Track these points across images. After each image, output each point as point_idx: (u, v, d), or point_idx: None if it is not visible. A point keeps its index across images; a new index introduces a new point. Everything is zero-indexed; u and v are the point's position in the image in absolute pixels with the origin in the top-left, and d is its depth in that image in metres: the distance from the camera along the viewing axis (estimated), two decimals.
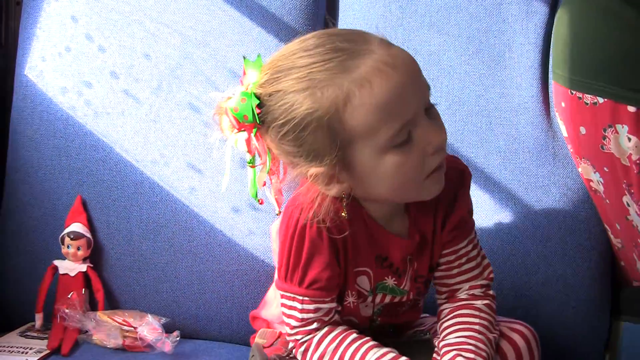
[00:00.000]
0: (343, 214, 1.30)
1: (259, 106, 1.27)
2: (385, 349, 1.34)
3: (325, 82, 1.23)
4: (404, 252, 1.38)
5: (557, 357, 1.61)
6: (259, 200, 1.34)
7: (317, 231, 1.31)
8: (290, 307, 1.36)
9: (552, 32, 1.66)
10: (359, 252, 1.35)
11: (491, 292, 1.43)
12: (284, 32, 1.68)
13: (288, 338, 1.40)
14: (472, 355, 1.32)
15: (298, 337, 1.37)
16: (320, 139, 1.24)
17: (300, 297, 1.35)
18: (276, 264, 1.47)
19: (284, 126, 1.25)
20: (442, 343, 1.37)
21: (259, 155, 1.30)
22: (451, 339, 1.37)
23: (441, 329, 1.40)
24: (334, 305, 1.37)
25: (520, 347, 1.41)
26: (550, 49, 1.67)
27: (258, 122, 1.27)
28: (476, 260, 1.42)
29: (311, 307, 1.35)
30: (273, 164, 1.31)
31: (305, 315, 1.36)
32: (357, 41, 1.25)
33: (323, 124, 1.23)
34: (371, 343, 1.35)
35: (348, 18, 1.71)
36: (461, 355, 1.32)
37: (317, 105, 1.23)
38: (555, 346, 1.62)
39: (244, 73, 1.31)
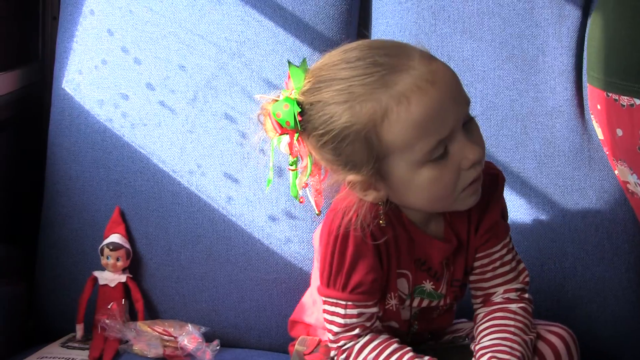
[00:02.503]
0: (381, 222, 1.31)
1: (300, 114, 1.29)
2: (426, 359, 1.34)
3: (365, 96, 1.25)
4: (442, 255, 1.38)
5: (600, 358, 1.61)
6: (299, 199, 1.36)
7: (360, 235, 1.32)
8: (333, 313, 1.37)
9: (586, 34, 1.66)
10: (400, 255, 1.36)
11: (527, 295, 1.43)
12: (318, 41, 1.69)
13: (330, 345, 1.40)
14: (506, 357, 1.33)
15: (340, 343, 1.38)
16: (357, 150, 1.27)
17: (344, 302, 1.35)
18: (315, 271, 1.50)
19: (323, 136, 1.28)
20: (477, 347, 1.38)
21: (301, 158, 1.32)
22: (486, 341, 1.37)
23: (477, 332, 1.41)
24: (376, 309, 1.37)
25: (559, 349, 1.41)
26: (584, 52, 1.67)
27: (299, 128, 1.30)
28: (511, 264, 1.42)
29: (354, 311, 1.36)
30: (314, 167, 1.33)
31: (348, 321, 1.36)
32: (398, 55, 1.26)
33: (360, 137, 1.26)
34: (411, 354, 1.35)
35: (381, 26, 1.71)
36: (495, 357, 1.33)
37: (355, 119, 1.25)
38: (594, 349, 1.61)
39: (289, 77, 1.33)
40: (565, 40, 1.68)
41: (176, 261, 1.68)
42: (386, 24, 1.72)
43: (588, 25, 1.66)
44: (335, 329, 1.37)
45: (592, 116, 1.66)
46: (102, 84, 1.71)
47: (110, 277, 1.66)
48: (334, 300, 1.36)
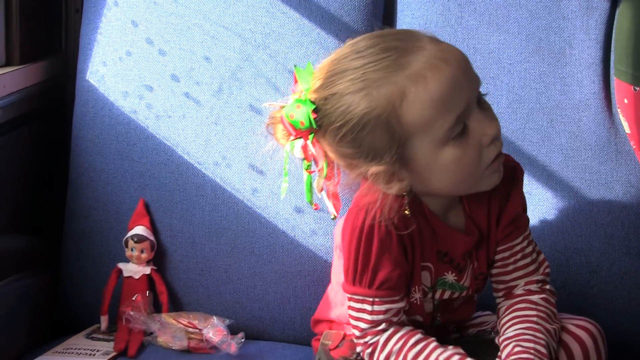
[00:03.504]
0: (406, 211, 1.31)
1: (314, 111, 1.29)
2: (450, 350, 1.34)
3: (380, 81, 1.25)
4: (464, 247, 1.38)
5: (624, 354, 1.60)
6: (313, 206, 1.36)
7: (385, 230, 1.31)
8: (359, 310, 1.36)
9: (614, 27, 1.65)
10: (424, 247, 1.36)
11: (548, 286, 1.43)
12: (344, 33, 1.68)
13: (356, 341, 1.40)
14: (530, 345, 1.33)
15: (367, 338, 1.37)
16: (378, 137, 1.27)
17: (371, 299, 1.35)
18: (335, 266, 1.49)
19: (341, 128, 1.27)
20: (501, 338, 1.38)
21: (315, 162, 1.32)
22: (509, 332, 1.37)
23: (500, 326, 1.41)
24: (403, 304, 1.37)
25: (586, 343, 1.40)
26: (612, 45, 1.66)
27: (314, 127, 1.29)
28: (531, 256, 1.42)
29: (382, 307, 1.35)
30: (330, 169, 1.33)
31: (375, 317, 1.36)
32: (407, 39, 1.28)
33: (381, 122, 1.26)
34: (435, 343, 1.35)
35: (406, 17, 1.70)
36: (519, 345, 1.33)
37: (374, 104, 1.25)
38: (620, 345, 1.60)
39: (296, 81, 1.33)
40: (592, 33, 1.67)
41: (200, 253, 1.68)
42: (411, 16, 1.71)
43: (616, 17, 1.65)
44: (363, 325, 1.37)
45: (619, 110, 1.65)
46: (127, 76, 1.71)
47: (134, 269, 1.66)
48: (361, 297, 1.36)
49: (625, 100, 1.60)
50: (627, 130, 1.64)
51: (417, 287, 1.39)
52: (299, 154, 1.32)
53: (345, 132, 1.27)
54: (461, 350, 1.34)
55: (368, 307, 1.36)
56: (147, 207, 1.69)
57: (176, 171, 1.69)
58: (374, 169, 1.28)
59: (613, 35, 1.66)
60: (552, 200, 1.65)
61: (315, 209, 1.38)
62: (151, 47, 1.71)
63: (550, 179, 1.65)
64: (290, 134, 1.32)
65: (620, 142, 1.66)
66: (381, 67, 1.26)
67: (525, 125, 1.66)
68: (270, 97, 1.67)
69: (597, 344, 1.42)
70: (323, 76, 1.29)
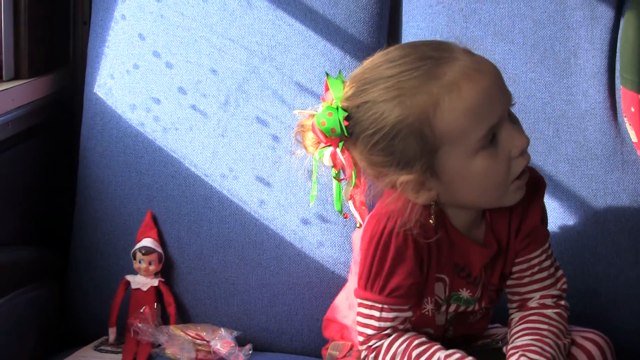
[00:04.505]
0: (431, 220, 1.31)
1: (346, 119, 1.29)
2: (452, 350, 1.34)
3: (414, 89, 1.26)
4: (483, 260, 1.38)
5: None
6: (344, 215, 1.37)
7: (403, 239, 1.32)
8: (368, 316, 1.37)
9: (619, 36, 1.65)
10: (441, 258, 1.36)
11: (563, 302, 1.42)
12: (349, 45, 1.69)
13: (360, 347, 1.40)
14: (536, 357, 1.32)
15: (370, 343, 1.37)
16: (410, 145, 1.27)
17: (380, 305, 1.35)
18: (353, 272, 1.49)
19: (374, 135, 1.28)
20: (509, 346, 1.37)
21: (343, 170, 1.32)
22: (518, 342, 1.37)
23: (510, 335, 1.41)
24: (410, 313, 1.37)
25: (594, 356, 1.40)
26: (617, 54, 1.66)
27: (346, 134, 1.30)
28: (549, 270, 1.42)
29: (390, 315, 1.36)
30: (358, 178, 1.33)
31: (382, 324, 1.36)
32: (441, 50, 1.29)
33: (414, 130, 1.27)
34: (438, 345, 1.35)
35: (412, 29, 1.71)
36: (525, 356, 1.32)
37: (407, 112, 1.26)
38: (628, 355, 1.60)
39: (327, 89, 1.33)
40: (597, 42, 1.67)
41: (208, 265, 1.68)
42: (417, 27, 1.71)
43: (621, 26, 1.65)
44: (369, 331, 1.37)
45: (625, 119, 1.65)
46: (134, 89, 1.71)
47: (142, 281, 1.67)
48: (370, 303, 1.36)
49: (632, 109, 1.60)
50: (634, 139, 1.64)
51: (430, 298, 1.39)
52: (328, 162, 1.33)
53: (378, 139, 1.28)
54: (463, 352, 1.34)
55: (376, 314, 1.36)
56: (154, 219, 1.69)
57: (183, 183, 1.69)
58: (404, 177, 1.29)
59: (618, 44, 1.67)
60: (558, 210, 1.65)
61: (346, 218, 1.39)
62: (158, 60, 1.71)
63: (556, 189, 1.65)
64: (319, 142, 1.33)
65: (627, 151, 1.66)
66: (415, 76, 1.27)
67: (531, 135, 1.64)
68: (277, 109, 1.68)
69: (605, 356, 1.42)
70: (355, 84, 1.30)
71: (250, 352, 1.61)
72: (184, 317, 1.69)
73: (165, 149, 1.70)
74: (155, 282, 1.67)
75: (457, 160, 1.28)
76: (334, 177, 1.34)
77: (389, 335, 1.37)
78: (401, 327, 1.38)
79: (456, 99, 1.25)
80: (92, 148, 1.72)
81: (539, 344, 1.35)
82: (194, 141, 1.69)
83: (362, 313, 1.38)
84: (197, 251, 1.68)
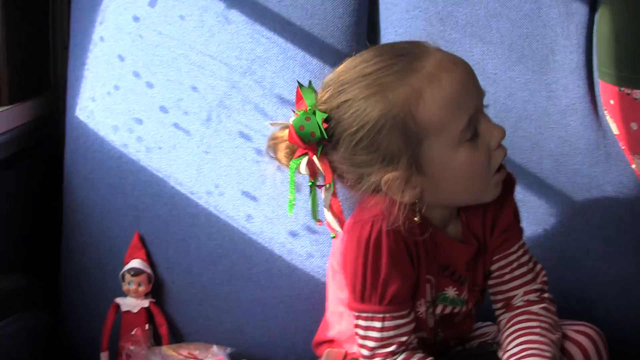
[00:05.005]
0: (416, 218, 1.31)
1: (325, 120, 1.29)
2: None
3: (395, 83, 1.28)
4: (466, 258, 1.38)
5: (626, 357, 1.59)
6: (318, 222, 1.35)
7: (394, 238, 1.31)
8: (367, 328, 1.35)
9: (595, 31, 1.67)
10: (428, 259, 1.35)
11: (547, 295, 1.43)
12: (329, 55, 1.69)
13: None
14: (536, 359, 1.31)
15: (378, 359, 1.36)
16: (395, 139, 1.28)
17: (381, 315, 1.33)
18: (331, 284, 1.47)
19: (357, 133, 1.28)
20: (505, 355, 1.36)
21: (317, 178, 1.32)
22: (513, 347, 1.36)
23: (502, 339, 1.39)
24: (410, 319, 1.35)
25: (587, 349, 1.40)
26: (594, 48, 1.67)
27: (326, 137, 1.29)
28: (528, 265, 1.42)
29: (392, 323, 1.34)
30: (335, 185, 1.32)
31: (385, 334, 1.34)
32: (414, 46, 1.34)
33: (397, 123, 1.27)
34: None
35: (390, 35, 1.72)
36: (522, 354, 1.32)
37: (390, 106, 1.27)
38: (624, 346, 1.59)
39: (299, 99, 1.33)
40: (574, 38, 1.68)
41: (198, 283, 1.67)
42: (395, 33, 1.72)
43: (596, 21, 1.67)
44: (372, 344, 1.35)
45: (605, 112, 1.66)
46: (116, 110, 1.71)
47: (132, 303, 1.65)
48: (370, 315, 1.34)
49: (612, 102, 1.61)
50: (616, 131, 1.65)
51: (422, 300, 1.38)
52: (304, 170, 1.32)
53: (362, 136, 1.28)
54: None
55: (378, 324, 1.34)
56: (142, 239, 1.68)
57: (170, 202, 1.68)
58: (389, 175, 1.28)
59: (594, 38, 1.68)
60: (545, 206, 1.65)
61: (319, 225, 1.36)
62: (138, 80, 1.71)
63: (542, 186, 1.65)
64: (294, 152, 1.32)
65: (610, 144, 1.66)
66: (395, 71, 1.28)
67: (514, 133, 1.66)
68: (259, 123, 1.68)
69: (598, 348, 1.42)
70: (332, 87, 1.31)
71: None
72: (177, 337, 1.67)
73: (149, 168, 1.69)
74: (145, 303, 1.66)
75: (441, 153, 1.28)
76: (311, 185, 1.33)
77: (394, 353, 1.34)
78: (404, 338, 1.35)
79: (437, 89, 1.27)
80: (77, 172, 1.72)
81: (536, 345, 1.34)
82: (178, 159, 1.69)
83: (361, 325, 1.35)
84: (187, 269, 1.67)
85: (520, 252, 1.42)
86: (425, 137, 1.27)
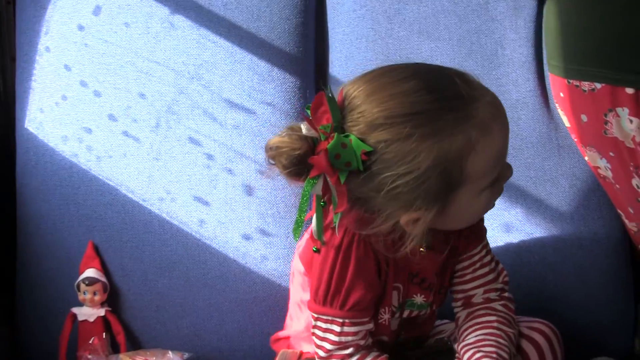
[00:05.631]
0: (422, 249, 1.30)
1: (366, 153, 1.19)
2: None
3: (451, 130, 1.19)
4: (437, 265, 1.37)
5: (586, 350, 1.59)
6: (324, 242, 1.28)
7: (364, 249, 1.28)
8: (326, 330, 1.34)
9: (543, 24, 1.66)
10: (397, 268, 1.34)
11: (507, 294, 1.43)
12: (276, 57, 1.69)
13: None
14: (493, 349, 1.32)
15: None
16: (435, 186, 1.21)
17: (341, 320, 1.32)
18: (294, 285, 1.46)
19: (401, 177, 1.19)
20: (461, 345, 1.37)
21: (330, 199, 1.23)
22: (470, 338, 1.37)
23: (460, 332, 1.40)
24: (371, 325, 1.35)
25: (542, 345, 1.40)
26: (543, 42, 1.66)
27: (361, 169, 1.19)
28: (490, 265, 1.42)
29: (352, 329, 1.33)
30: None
31: (343, 339, 1.33)
32: (462, 79, 1.22)
33: (446, 172, 1.20)
34: None
35: (338, 35, 1.71)
36: (481, 351, 1.32)
37: (444, 155, 1.19)
38: (583, 339, 1.60)
39: (322, 109, 1.21)
40: (522, 32, 1.68)
41: (154, 290, 1.66)
42: (342, 33, 1.71)
43: (544, 14, 1.66)
44: (329, 346, 1.34)
45: (556, 105, 1.66)
46: (64, 120, 1.70)
47: (89, 312, 1.65)
48: (330, 318, 1.33)
49: (561, 94, 1.60)
50: (567, 124, 1.64)
51: (387, 307, 1.37)
52: (319, 190, 1.22)
53: (405, 181, 1.19)
54: None
55: (337, 328, 1.33)
56: (96, 249, 1.67)
57: (122, 210, 1.68)
58: (413, 215, 1.22)
59: (543, 32, 1.67)
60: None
61: (317, 247, 1.28)
62: (86, 89, 1.70)
63: None
64: (296, 164, 1.20)
65: (562, 137, 1.66)
66: (451, 117, 1.19)
67: None
68: (209, 127, 1.68)
69: (553, 345, 1.42)
70: (372, 115, 1.19)
71: None
72: (135, 344, 1.67)
73: (100, 177, 1.68)
74: (102, 312, 1.65)
75: (468, 198, 1.24)
76: (322, 206, 1.22)
77: (350, 355, 1.34)
78: (362, 342, 1.35)
79: (489, 142, 1.21)
80: (28, 184, 1.70)
81: (492, 337, 1.35)
82: (129, 167, 1.68)
83: (320, 327, 1.35)
84: (142, 277, 1.67)
85: (483, 253, 1.42)
86: (463, 185, 1.21)
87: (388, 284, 1.35)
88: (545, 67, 1.66)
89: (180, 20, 1.70)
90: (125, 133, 1.69)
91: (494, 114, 1.22)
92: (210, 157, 1.67)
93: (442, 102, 1.20)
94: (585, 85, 1.52)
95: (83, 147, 1.69)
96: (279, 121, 1.68)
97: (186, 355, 1.61)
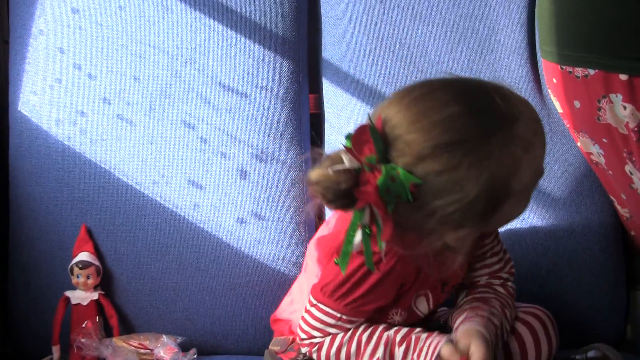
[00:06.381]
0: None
1: (415, 185, 1.16)
2: (396, 327, 1.34)
3: (498, 152, 1.17)
4: (464, 268, 1.39)
5: (578, 335, 1.59)
6: (374, 269, 1.24)
7: (393, 265, 1.28)
8: (320, 320, 1.35)
9: (536, 10, 1.66)
10: (427, 279, 1.34)
11: (510, 284, 1.44)
12: (269, 41, 1.69)
13: (299, 342, 1.39)
14: (484, 312, 1.33)
15: (314, 340, 1.37)
16: (483, 206, 1.19)
17: (339, 315, 1.33)
18: (308, 275, 1.46)
19: (451, 205, 1.17)
20: (455, 312, 1.38)
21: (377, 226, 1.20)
22: (465, 306, 1.38)
23: (457, 305, 1.41)
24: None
25: (536, 328, 1.41)
26: (536, 27, 1.67)
27: (410, 200, 1.17)
28: (499, 255, 1.44)
29: (346, 325, 1.35)
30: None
31: (331, 330, 1.35)
32: (500, 95, 1.21)
33: (494, 193, 1.18)
34: (383, 325, 1.35)
35: (331, 19, 1.71)
36: (473, 311, 1.33)
37: (493, 179, 1.17)
38: (574, 325, 1.61)
39: (364, 139, 1.17)
40: (515, 17, 1.68)
41: (147, 274, 1.66)
42: (336, 17, 1.71)
43: (537, 0, 1.66)
44: (315, 333, 1.36)
45: (549, 91, 1.66)
46: (58, 103, 1.70)
47: (82, 296, 1.65)
48: (329, 311, 1.34)
49: (554, 80, 1.60)
50: (560, 109, 1.64)
51: (400, 310, 1.37)
52: (366, 220, 1.18)
53: (456, 208, 1.18)
54: (409, 327, 1.35)
55: (332, 321, 1.35)
56: (89, 232, 1.67)
57: (115, 194, 1.68)
58: (461, 232, 1.21)
59: (536, 17, 1.67)
60: None
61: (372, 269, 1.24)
62: (80, 73, 1.70)
63: None
64: (341, 196, 1.17)
65: (554, 123, 1.66)
66: (497, 140, 1.17)
67: None
68: (202, 111, 1.68)
69: (547, 329, 1.42)
70: (424, 144, 1.16)
71: (194, 356, 1.59)
72: (128, 328, 1.67)
73: (94, 161, 1.68)
74: (95, 295, 1.65)
75: (511, 208, 1.23)
76: (368, 234, 1.18)
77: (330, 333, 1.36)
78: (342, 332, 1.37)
79: (532, 158, 1.20)
80: (21, 167, 1.70)
81: (486, 306, 1.36)
82: (123, 150, 1.68)
83: (314, 315, 1.35)
84: (135, 260, 1.67)
85: (494, 242, 1.43)
86: (509, 199, 1.20)
87: (410, 293, 1.35)
88: (538, 53, 1.66)
89: (174, 4, 1.70)
90: (119, 116, 1.69)
91: (535, 130, 1.21)
92: (204, 140, 1.67)
93: (487, 127, 1.18)
94: (579, 71, 1.52)
95: (77, 130, 1.69)
96: (273, 105, 1.69)
97: (179, 339, 1.61)
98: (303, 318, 1.37)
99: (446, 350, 1.28)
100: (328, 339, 1.35)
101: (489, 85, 1.23)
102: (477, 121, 1.18)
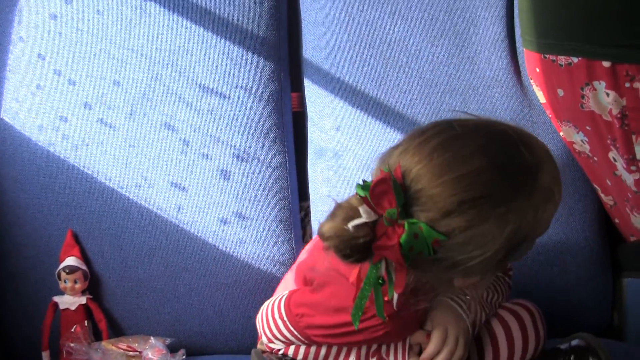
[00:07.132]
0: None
1: (438, 241, 1.13)
2: None
3: (523, 205, 1.15)
4: None
5: (566, 325, 1.59)
6: (386, 319, 1.21)
7: (378, 335, 1.31)
8: (281, 331, 1.38)
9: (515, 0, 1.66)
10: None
11: (507, 279, 1.45)
12: (249, 41, 1.69)
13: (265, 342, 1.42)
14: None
15: (275, 347, 1.42)
16: (502, 257, 1.17)
17: (300, 338, 1.37)
18: (294, 277, 1.48)
19: (473, 259, 1.15)
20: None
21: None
22: None
23: None
24: None
25: (523, 318, 1.41)
26: (515, 18, 1.67)
27: (431, 255, 1.13)
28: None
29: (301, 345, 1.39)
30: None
31: (295, 341, 1.38)
32: (520, 148, 1.18)
33: (514, 244, 1.17)
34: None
35: (310, 18, 1.71)
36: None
37: (516, 232, 1.15)
38: (562, 314, 1.61)
39: (384, 191, 1.12)
40: (494, 9, 1.68)
41: (134, 276, 1.67)
42: (315, 15, 1.71)
43: None
44: (277, 342, 1.40)
45: (531, 81, 1.66)
46: (40, 109, 1.70)
47: (70, 301, 1.65)
48: (296, 334, 1.36)
49: (537, 70, 1.60)
50: (542, 99, 1.64)
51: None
52: (382, 273, 1.15)
53: (478, 261, 1.15)
54: None
55: (295, 341, 1.38)
56: (75, 237, 1.68)
57: (100, 198, 1.68)
58: (472, 280, 1.21)
59: (515, 8, 1.67)
60: None
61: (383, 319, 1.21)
62: (61, 78, 1.70)
63: None
64: (355, 247, 1.12)
65: (536, 114, 1.66)
66: (523, 193, 1.15)
67: (439, 108, 1.66)
68: (184, 113, 1.68)
69: (535, 320, 1.42)
70: (448, 199, 1.12)
71: (183, 357, 1.60)
72: (117, 331, 1.67)
73: (77, 166, 1.69)
74: (83, 300, 1.65)
75: (520, 252, 1.20)
76: (381, 284, 1.15)
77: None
78: None
79: (551, 205, 1.19)
80: (6, 174, 1.70)
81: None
82: (106, 155, 1.68)
83: (280, 321, 1.38)
84: (122, 264, 1.67)
85: None
86: (525, 243, 1.19)
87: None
88: (519, 44, 1.66)
89: (152, 7, 1.70)
90: (101, 121, 1.69)
91: (555, 177, 1.20)
92: (186, 142, 1.67)
93: (513, 181, 1.15)
94: (562, 59, 1.52)
95: (59, 135, 1.69)
96: (255, 104, 1.69)
97: (168, 340, 1.62)
98: (272, 316, 1.39)
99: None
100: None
101: (511, 132, 1.19)
102: (504, 175, 1.15)
